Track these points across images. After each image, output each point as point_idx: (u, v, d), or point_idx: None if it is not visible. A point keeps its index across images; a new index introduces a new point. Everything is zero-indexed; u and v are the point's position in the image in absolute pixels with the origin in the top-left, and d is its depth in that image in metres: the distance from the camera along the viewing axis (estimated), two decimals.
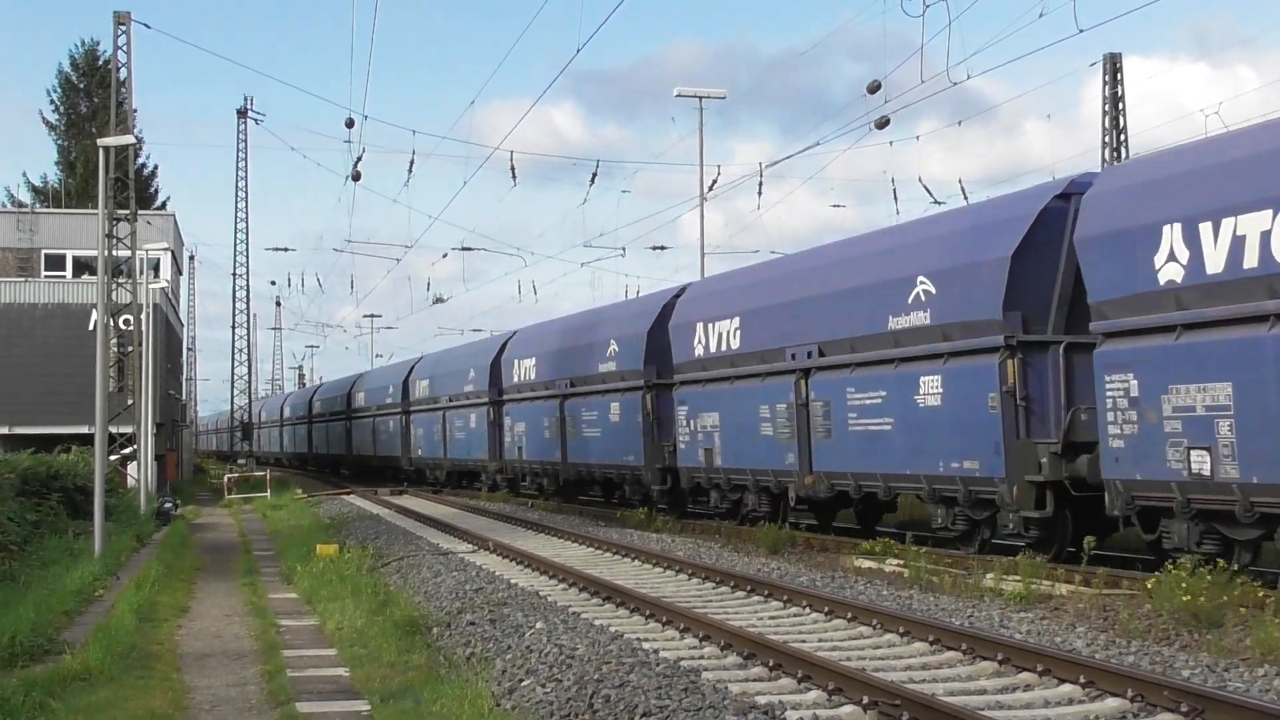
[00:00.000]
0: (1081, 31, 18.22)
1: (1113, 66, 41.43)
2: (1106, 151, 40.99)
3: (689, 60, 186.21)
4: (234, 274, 64.54)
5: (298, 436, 75.38)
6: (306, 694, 10.40)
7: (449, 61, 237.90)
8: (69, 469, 27.18)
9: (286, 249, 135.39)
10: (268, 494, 41.93)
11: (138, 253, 34.08)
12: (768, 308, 21.87)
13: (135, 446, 33.89)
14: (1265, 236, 12.52)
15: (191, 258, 68.47)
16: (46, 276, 41.60)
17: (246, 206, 63.23)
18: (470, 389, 39.02)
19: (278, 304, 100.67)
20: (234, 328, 67.49)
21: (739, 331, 22.64)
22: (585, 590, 15.35)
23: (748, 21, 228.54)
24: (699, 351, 24.01)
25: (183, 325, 65.66)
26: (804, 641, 11.50)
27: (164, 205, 59.34)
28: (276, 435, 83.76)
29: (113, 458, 32.39)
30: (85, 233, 40.91)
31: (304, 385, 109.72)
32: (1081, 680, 9.28)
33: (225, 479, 46.13)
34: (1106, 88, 41.38)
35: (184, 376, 68.39)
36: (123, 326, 35.66)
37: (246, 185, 62.93)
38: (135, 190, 34.83)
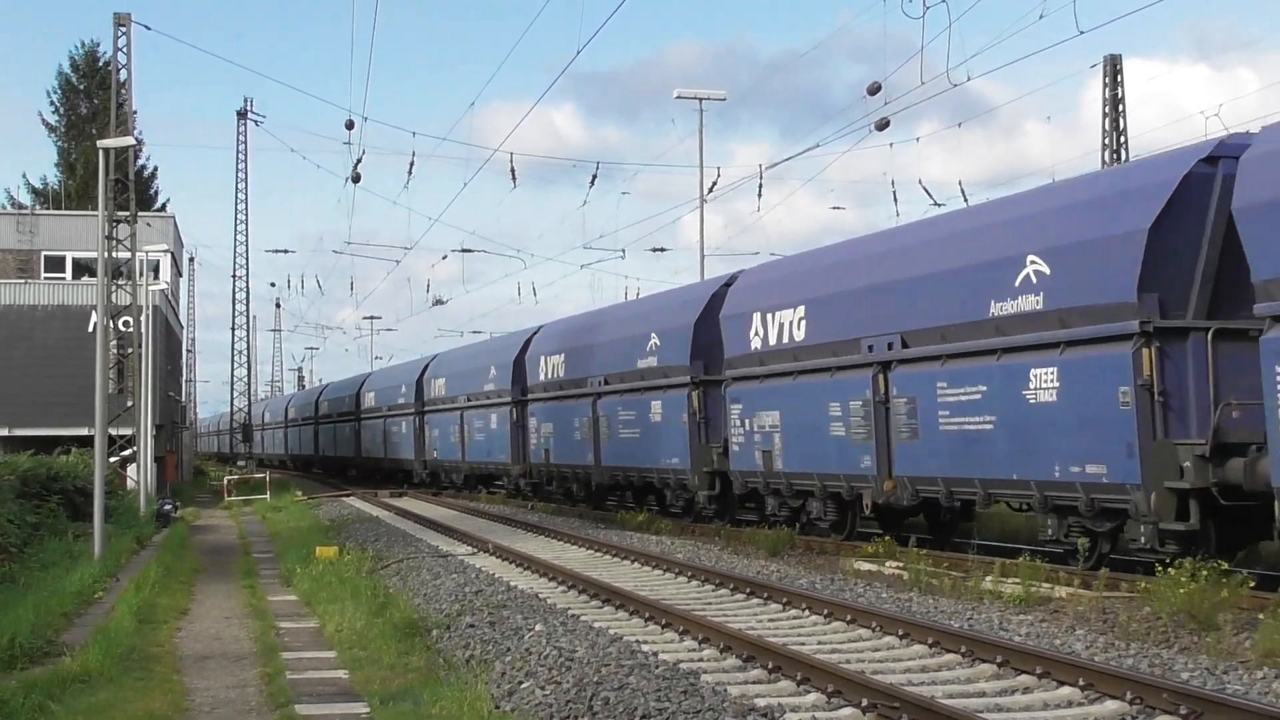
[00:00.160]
0: (1082, 33, 18.21)
1: (1113, 68, 41.45)
2: (1107, 154, 41.01)
3: (689, 61, 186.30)
4: (234, 276, 64.57)
5: (303, 438, 73.27)
6: (306, 696, 10.41)
7: (449, 63, 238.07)
8: (69, 471, 27.19)
9: (286, 251, 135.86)
10: (267, 496, 41.93)
11: (137, 254, 34.07)
12: (839, 295, 19.82)
13: (135, 448, 33.89)
14: None
15: (191, 259, 68.58)
16: (46, 278, 41.63)
17: (246, 208, 63.24)
18: (491, 388, 37.02)
19: (277, 306, 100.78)
20: (234, 329, 67.49)
21: (804, 321, 20.55)
22: (585, 593, 15.34)
23: (747, 22, 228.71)
24: (756, 344, 22.00)
25: (182, 327, 65.68)
26: (803, 644, 11.50)
27: (164, 207, 59.40)
28: (280, 437, 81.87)
29: (112, 460, 32.39)
30: (85, 234, 40.91)
31: (303, 387, 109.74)
32: (1081, 683, 9.28)
33: (225, 481, 46.14)
34: (1107, 89, 41.40)
35: (184, 378, 68.39)
36: (122, 328, 35.66)
37: (246, 187, 62.94)
38: (135, 192, 34.84)
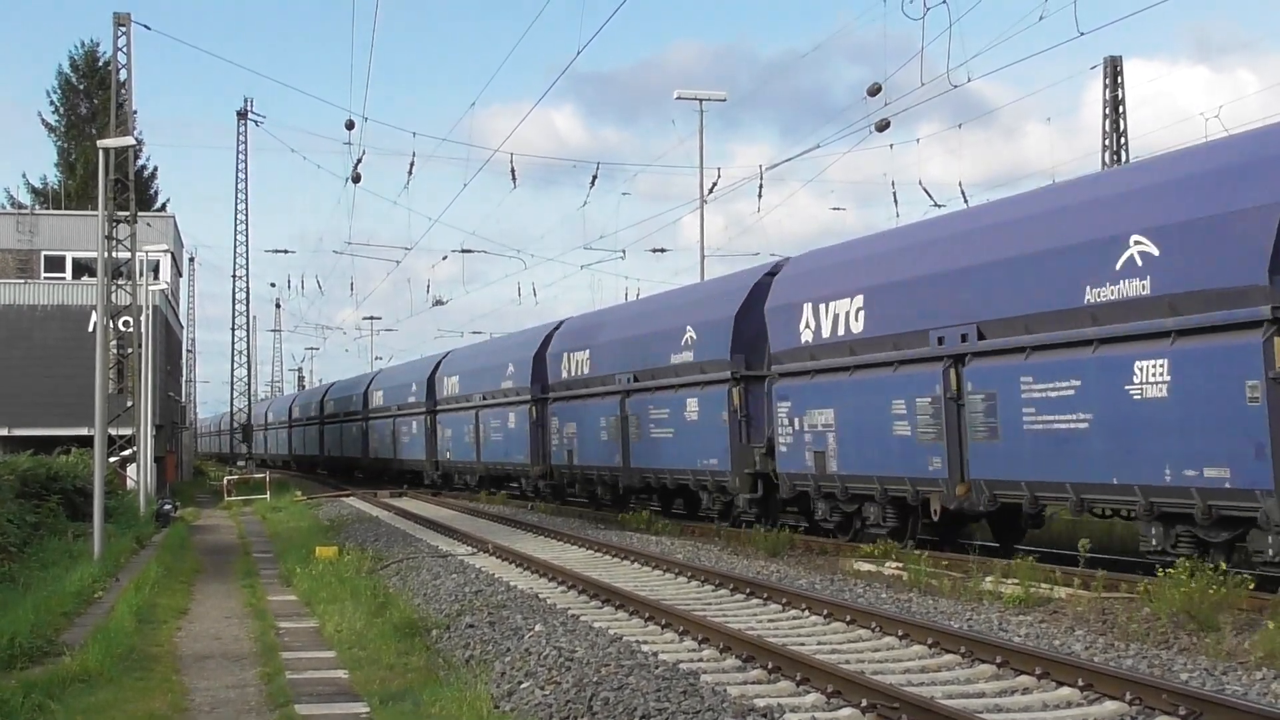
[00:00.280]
0: (1082, 34, 18.17)
1: (1113, 70, 41.47)
2: (1107, 155, 41.03)
3: (689, 62, 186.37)
4: (234, 276, 64.67)
5: (307, 438, 71.00)
6: (306, 696, 10.41)
7: (449, 63, 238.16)
8: (68, 471, 27.22)
9: (286, 251, 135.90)
10: (267, 496, 41.94)
11: (137, 254, 34.08)
12: (904, 283, 18.26)
13: (135, 448, 33.90)
14: None
15: (191, 260, 68.63)
16: (46, 278, 41.66)
17: (246, 208, 63.36)
18: (509, 385, 35.27)
19: (277, 306, 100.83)
20: (234, 329, 67.62)
21: (862, 312, 19.00)
22: (584, 593, 15.35)
23: (748, 23, 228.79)
24: (806, 337, 20.36)
25: (182, 327, 65.71)
26: (803, 644, 11.50)
27: (164, 207, 59.45)
28: (284, 437, 79.91)
29: (112, 460, 32.39)
30: (85, 234, 40.95)
31: (303, 387, 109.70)
32: (1080, 683, 9.28)
33: (225, 481, 46.14)
34: (1107, 91, 41.43)
35: (183, 379, 68.39)
36: (122, 328, 35.68)
37: (246, 187, 63.07)
38: (135, 192, 34.85)
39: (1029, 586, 14.12)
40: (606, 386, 28.45)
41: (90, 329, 33.75)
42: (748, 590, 14.91)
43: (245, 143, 62.22)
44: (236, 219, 63.34)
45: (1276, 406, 12.53)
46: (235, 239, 64.07)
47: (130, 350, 35.18)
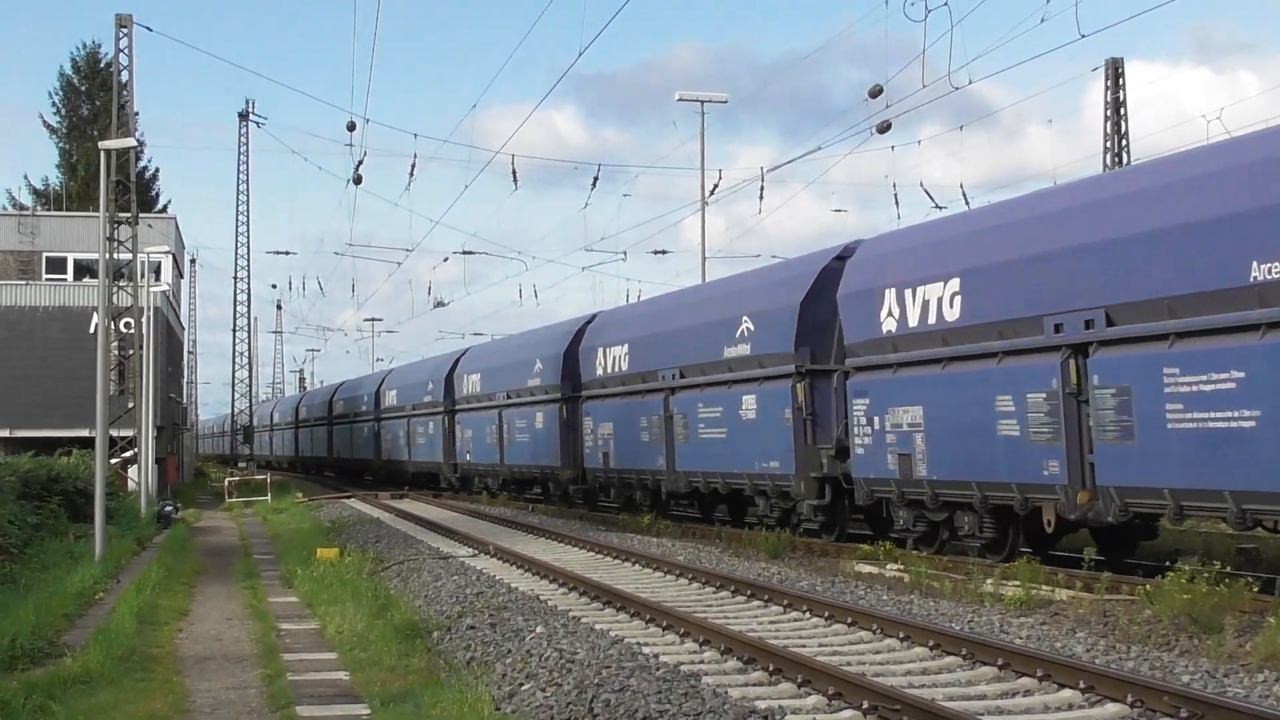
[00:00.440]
0: (1083, 36, 18.16)
1: (1114, 71, 41.48)
2: (1108, 157, 41.04)
3: (690, 64, 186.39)
4: (235, 277, 64.70)
5: (315, 439, 68.31)
6: (307, 698, 10.41)
7: (450, 65, 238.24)
8: (70, 472, 27.26)
9: (287, 252, 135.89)
10: (268, 497, 41.95)
11: (139, 256, 34.10)
12: (1011, 263, 16.21)
13: (136, 450, 33.92)
14: None
15: (192, 261, 68.64)
16: (47, 279, 41.73)
17: (248, 210, 63.38)
18: (536, 383, 33.16)
19: (279, 307, 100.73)
20: (235, 331, 67.59)
21: (959, 298, 17.03)
22: (585, 595, 15.34)
23: (749, 25, 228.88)
24: (889, 327, 18.43)
25: (183, 328, 65.71)
26: (804, 646, 11.50)
27: (165, 208, 59.54)
28: (290, 438, 77.16)
29: (113, 461, 32.41)
30: (86, 236, 41.01)
31: (304, 388, 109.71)
32: (1081, 685, 9.28)
33: (226, 482, 46.15)
34: (1108, 93, 41.44)
35: (184, 380, 68.41)
36: (123, 329, 35.70)
37: (248, 188, 63.09)
38: (136, 193, 34.88)
39: (1030, 588, 14.12)
40: (648, 383, 26.48)
41: (91, 330, 33.79)
42: (749, 592, 14.91)
43: (247, 144, 62.27)
44: (238, 220, 63.38)
45: None
46: (236, 240, 64.12)
47: (131, 352, 35.21)
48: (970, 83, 22.15)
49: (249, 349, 68.51)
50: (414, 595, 16.52)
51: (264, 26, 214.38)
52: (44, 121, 58.21)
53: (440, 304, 66.70)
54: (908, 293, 18.05)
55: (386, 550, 22.50)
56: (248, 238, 63.73)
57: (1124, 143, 41.14)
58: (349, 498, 42.09)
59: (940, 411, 17.39)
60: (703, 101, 38.45)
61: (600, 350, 29.32)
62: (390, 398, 50.28)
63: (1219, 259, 13.14)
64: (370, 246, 75.27)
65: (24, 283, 40.88)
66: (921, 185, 65.97)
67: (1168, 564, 14.02)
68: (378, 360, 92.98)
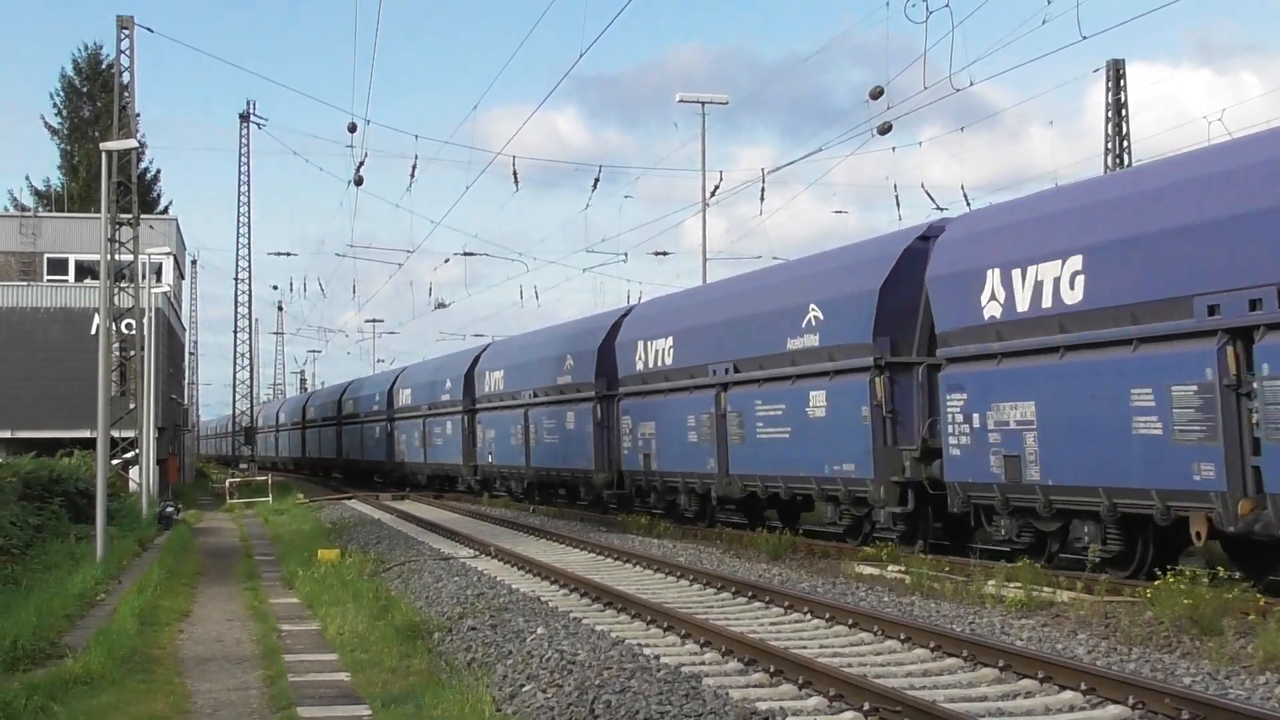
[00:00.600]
0: (1085, 38, 18.17)
1: (1116, 73, 41.49)
2: (1109, 158, 41.05)
3: (691, 65, 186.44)
4: (236, 279, 64.85)
5: (323, 440, 65.97)
6: (308, 699, 10.42)
7: (452, 66, 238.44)
8: (71, 473, 27.27)
9: (289, 254, 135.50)
10: (269, 499, 41.96)
11: (140, 257, 34.11)
12: (1148, 237, 14.15)
13: (137, 451, 33.92)
14: None
15: (194, 262, 68.69)
16: (49, 281, 41.73)
17: (249, 211, 63.58)
18: (568, 380, 31.14)
19: (280, 309, 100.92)
20: (236, 332, 67.75)
21: (1081, 277, 14.97)
22: (586, 596, 15.35)
23: (750, 26, 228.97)
24: (992, 312, 16.41)
25: (184, 330, 65.75)
26: (805, 648, 11.50)
27: (166, 210, 59.56)
28: (297, 439, 74.88)
29: (114, 462, 32.42)
30: (88, 237, 41.05)
31: (305, 389, 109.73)
32: (1083, 687, 9.28)
33: (227, 483, 46.16)
34: (1109, 94, 41.44)
35: (186, 381, 68.46)
36: (125, 331, 35.70)
37: (249, 190, 63.30)
38: (138, 194, 34.87)
39: (1031, 590, 14.11)
40: (697, 379, 24.44)
41: (93, 332, 33.82)
42: (750, 594, 14.91)
43: (248, 145, 62.48)
44: (239, 222, 63.56)
45: None
46: (237, 242, 64.25)
47: (133, 353, 35.21)
48: (971, 84, 22.11)
49: (250, 350, 68.76)
50: (415, 596, 16.52)
51: (265, 27, 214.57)
52: (45, 123, 58.32)
53: (441, 305, 66.84)
54: (1015, 273, 16.01)
55: (387, 551, 22.50)
56: (249, 239, 63.99)
57: (1125, 144, 41.15)
58: (350, 499, 42.10)
59: (1057, 407, 15.33)
60: (704, 103, 38.46)
61: (640, 344, 27.36)
62: (404, 397, 48.43)
63: None
64: (371, 248, 75.72)
65: (25, 284, 40.89)
66: (923, 186, 66.15)
67: (1167, 566, 13.97)
68: (379, 361, 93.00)
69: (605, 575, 17.42)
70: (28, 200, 55.99)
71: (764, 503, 23.14)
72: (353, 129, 34.39)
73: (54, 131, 57.68)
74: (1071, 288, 15.13)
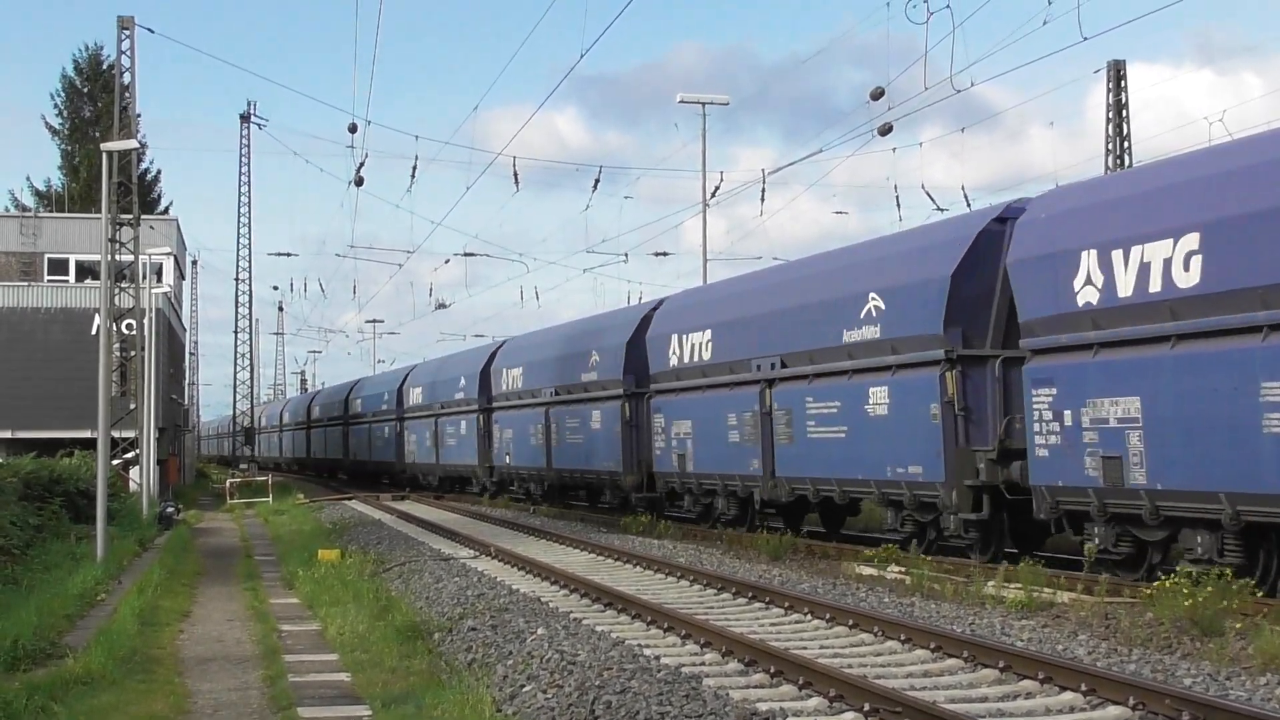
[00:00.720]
0: (1085, 39, 18.13)
1: (1116, 73, 41.47)
2: (1110, 159, 41.03)
3: (691, 65, 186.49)
4: (236, 279, 64.80)
5: (329, 441, 64.12)
6: (308, 699, 10.42)
7: (452, 67, 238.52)
8: (71, 473, 27.28)
9: (289, 254, 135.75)
10: (269, 499, 41.96)
11: (140, 257, 34.12)
12: (1264, 214, 12.66)
13: (137, 451, 33.93)
14: None
15: (194, 262, 68.79)
16: (49, 281, 41.74)
17: (249, 211, 63.51)
18: (593, 377, 29.58)
19: (280, 309, 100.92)
20: (236, 332, 67.71)
21: (1196, 257, 13.31)
22: (587, 596, 15.35)
23: (750, 27, 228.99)
24: (1086, 299, 14.75)
25: (185, 330, 65.77)
26: (805, 648, 11.50)
27: (167, 210, 59.59)
28: (302, 439, 72.94)
29: (115, 462, 32.42)
30: (88, 237, 41.07)
31: (305, 390, 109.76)
32: (1083, 688, 9.28)
33: (227, 484, 46.16)
34: (1110, 95, 41.42)
35: (186, 381, 68.46)
36: (125, 331, 35.71)
37: (249, 190, 63.23)
38: (138, 195, 34.87)
39: (1031, 591, 14.11)
40: (738, 375, 22.87)
41: (93, 332, 33.83)
42: (750, 594, 14.91)
43: (248, 146, 62.40)
44: (239, 222, 63.51)
45: None
46: (238, 242, 64.22)
47: (133, 353, 35.21)
48: (972, 85, 22.06)
49: (250, 350, 68.72)
50: (415, 597, 16.53)
51: (265, 28, 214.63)
52: (46, 123, 58.30)
53: (442, 306, 66.84)
54: (1115, 255, 14.34)
55: (388, 552, 22.50)
56: (249, 239, 63.93)
57: (1126, 145, 41.13)
58: (350, 499, 42.11)
59: (1168, 403, 13.70)
60: (704, 103, 38.45)
61: (674, 338, 25.71)
62: (415, 396, 46.78)
63: None
64: (371, 248, 75.79)
65: (26, 284, 40.90)
66: (923, 187, 66.08)
67: (1164, 567, 13.96)
68: (379, 361, 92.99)
69: (605, 576, 17.42)
70: (28, 200, 56.10)
71: (810, 507, 21.79)
72: (353, 129, 34.46)
73: (55, 132, 57.74)
74: (1186, 269, 13.45)
